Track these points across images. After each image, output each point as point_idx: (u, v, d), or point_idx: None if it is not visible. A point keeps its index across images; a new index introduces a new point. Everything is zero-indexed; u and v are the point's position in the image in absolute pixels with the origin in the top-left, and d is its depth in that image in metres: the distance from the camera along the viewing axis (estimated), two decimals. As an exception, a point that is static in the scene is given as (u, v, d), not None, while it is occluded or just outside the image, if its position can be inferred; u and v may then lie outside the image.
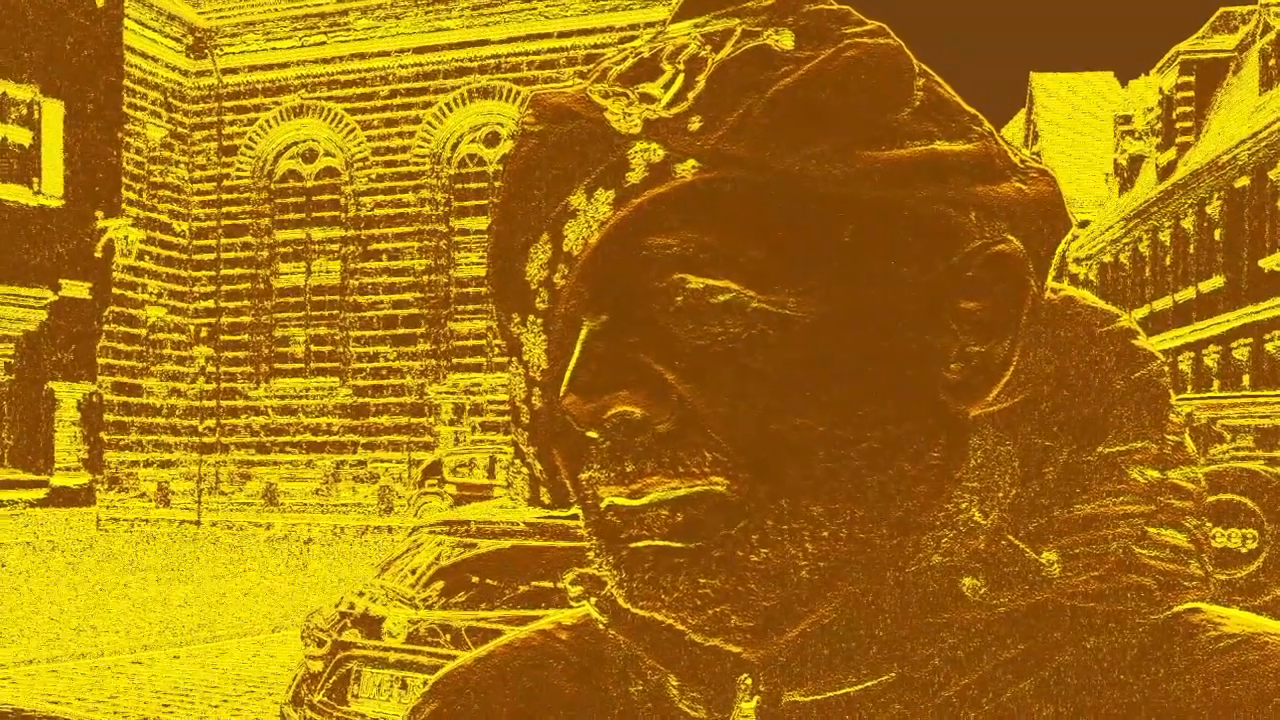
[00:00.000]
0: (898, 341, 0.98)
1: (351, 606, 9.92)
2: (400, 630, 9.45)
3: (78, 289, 46.20)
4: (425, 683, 1.24)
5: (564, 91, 1.05)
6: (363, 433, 78.15)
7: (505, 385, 1.17)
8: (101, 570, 32.82)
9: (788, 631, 1.00)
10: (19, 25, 44.67)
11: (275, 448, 79.87)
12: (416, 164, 79.50)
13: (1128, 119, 68.15)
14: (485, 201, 75.14)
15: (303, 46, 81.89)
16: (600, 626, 1.14)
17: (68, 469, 45.66)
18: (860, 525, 0.97)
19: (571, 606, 1.24)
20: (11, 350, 44.59)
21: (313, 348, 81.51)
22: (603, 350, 0.98)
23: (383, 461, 75.35)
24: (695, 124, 0.98)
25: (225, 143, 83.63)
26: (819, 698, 1.03)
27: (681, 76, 0.99)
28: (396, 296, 79.16)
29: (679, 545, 0.97)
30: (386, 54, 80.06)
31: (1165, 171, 58.77)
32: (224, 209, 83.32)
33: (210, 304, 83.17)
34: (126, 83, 57.02)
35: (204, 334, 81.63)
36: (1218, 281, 52.09)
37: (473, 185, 78.57)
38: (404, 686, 9.38)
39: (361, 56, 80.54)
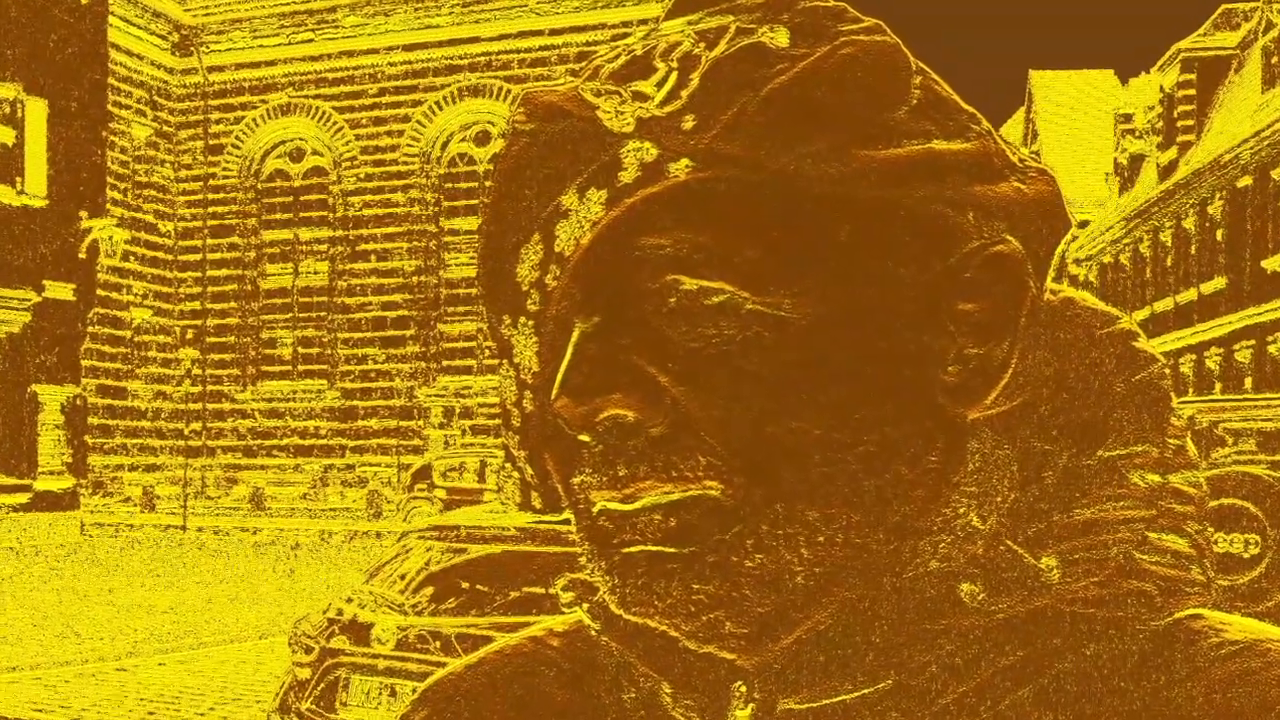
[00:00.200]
0: (895, 344, 0.98)
1: (340, 613, 9.90)
2: (389, 637, 9.44)
3: (61, 290, 46.19)
4: (415, 690, 1.24)
5: (555, 89, 1.05)
6: (351, 436, 78.18)
7: (496, 388, 1.17)
8: (85, 576, 32.80)
9: (783, 638, 1.00)
10: (1, 22, 44.65)
11: (262, 451, 79.90)
12: (406, 163, 79.56)
13: (1128, 117, 68.20)
14: (475, 201, 75.16)
15: (290, 44, 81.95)
16: (592, 633, 1.14)
17: (51, 473, 45.66)
18: (856, 530, 0.97)
19: (563, 612, 1.24)
20: (-6, 352, 44.56)
21: (300, 350, 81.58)
22: (595, 352, 0.98)
23: (371, 465, 75.38)
24: (689, 122, 0.98)
25: (211, 142, 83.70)
26: (814, 705, 1.02)
27: (675, 74, 0.99)
28: (385, 298, 79.20)
29: (672, 550, 0.97)
30: (375, 51, 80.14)
31: (1166, 171, 58.80)
32: (210, 209, 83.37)
33: (196, 305, 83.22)
34: (111, 81, 57.04)
35: (190, 336, 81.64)
36: (1220, 283, 52.12)
37: (463, 185, 78.65)
38: (393, 694, 9.38)
39: (350, 54, 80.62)
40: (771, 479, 0.96)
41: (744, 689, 1.04)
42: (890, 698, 1.01)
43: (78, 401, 47.32)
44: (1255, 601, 13.73)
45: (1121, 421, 1.07)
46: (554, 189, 1.06)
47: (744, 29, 0.99)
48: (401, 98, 79.77)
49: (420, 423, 76.17)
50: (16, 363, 44.87)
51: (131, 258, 73.69)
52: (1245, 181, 49.69)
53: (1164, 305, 58.82)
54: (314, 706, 9.66)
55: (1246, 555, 14.09)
